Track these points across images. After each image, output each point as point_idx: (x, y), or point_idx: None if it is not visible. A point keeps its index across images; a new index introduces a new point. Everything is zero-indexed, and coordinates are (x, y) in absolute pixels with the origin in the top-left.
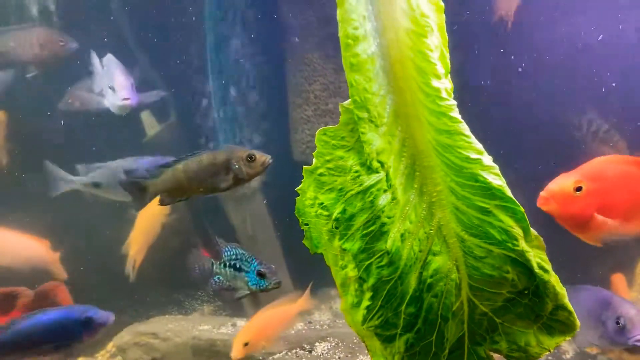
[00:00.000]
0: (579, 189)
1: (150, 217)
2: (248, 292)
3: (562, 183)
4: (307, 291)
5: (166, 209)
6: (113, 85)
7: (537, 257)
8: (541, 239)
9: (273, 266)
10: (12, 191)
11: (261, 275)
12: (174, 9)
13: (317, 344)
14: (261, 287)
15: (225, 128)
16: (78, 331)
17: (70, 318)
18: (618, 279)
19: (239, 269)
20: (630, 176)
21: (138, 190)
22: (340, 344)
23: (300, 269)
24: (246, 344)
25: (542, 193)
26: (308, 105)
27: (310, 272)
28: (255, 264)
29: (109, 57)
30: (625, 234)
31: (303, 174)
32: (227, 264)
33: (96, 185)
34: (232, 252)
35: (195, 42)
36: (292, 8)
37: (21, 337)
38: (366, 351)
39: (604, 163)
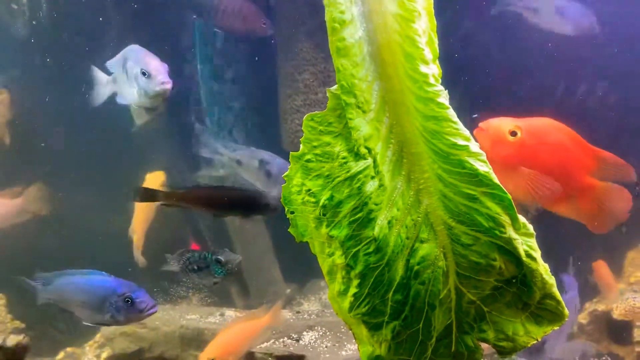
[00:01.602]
0: (513, 133)
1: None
2: (219, 280)
3: (501, 122)
4: (277, 306)
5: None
6: (148, 70)
7: (525, 245)
8: (529, 226)
9: (226, 249)
10: None
11: (219, 262)
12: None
13: (304, 333)
14: (228, 272)
15: (215, 116)
16: (117, 307)
17: (116, 292)
18: (600, 266)
19: (199, 269)
20: (566, 150)
21: (148, 196)
22: (327, 333)
23: (290, 261)
24: None
25: (481, 124)
26: (297, 95)
27: (300, 264)
28: (211, 255)
29: (134, 47)
30: (540, 198)
31: (290, 160)
32: (189, 270)
33: (238, 162)
34: (188, 259)
35: (184, 30)
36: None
37: (59, 295)
38: (353, 340)
39: (549, 126)
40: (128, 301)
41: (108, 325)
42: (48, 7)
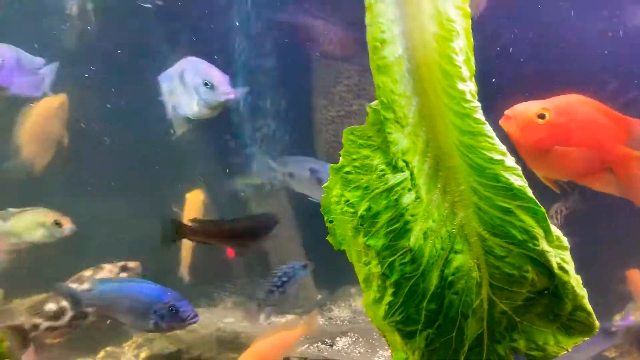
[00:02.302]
0: (542, 116)
1: (196, 213)
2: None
3: (527, 107)
4: (312, 315)
5: (204, 208)
6: (211, 81)
7: (558, 258)
8: (563, 239)
9: (295, 262)
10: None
11: (305, 266)
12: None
13: (337, 338)
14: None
15: (250, 127)
16: (161, 315)
17: (160, 300)
18: (634, 274)
19: (287, 281)
20: (597, 123)
21: (173, 227)
22: (360, 339)
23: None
24: None
25: (506, 111)
26: (332, 106)
27: (330, 271)
28: (295, 265)
29: (191, 59)
30: (579, 175)
31: (330, 172)
32: (278, 286)
33: (291, 175)
34: (280, 277)
35: (223, 42)
36: (319, 12)
37: (103, 301)
38: (386, 346)
39: (577, 101)
40: (172, 310)
41: (150, 332)
42: (97, 19)
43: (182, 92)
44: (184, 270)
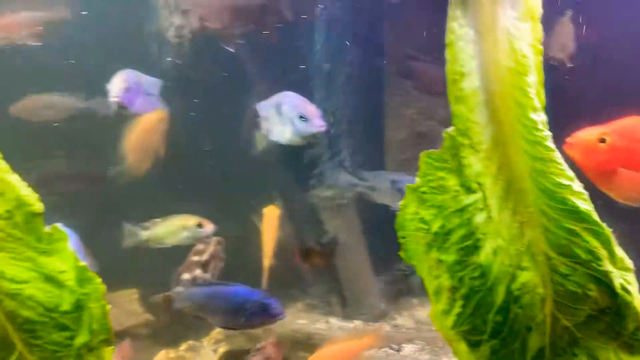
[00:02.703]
0: (602, 140)
1: (273, 228)
2: None
3: (588, 133)
4: (381, 328)
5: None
6: (306, 115)
7: (621, 278)
8: (628, 261)
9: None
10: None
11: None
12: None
13: (404, 345)
14: None
15: (325, 144)
16: (252, 312)
17: (251, 299)
18: None
19: None
20: None
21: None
22: (426, 347)
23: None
24: None
25: (568, 139)
26: (403, 128)
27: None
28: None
29: (289, 93)
30: None
31: (406, 190)
32: None
33: (372, 188)
34: None
35: (305, 63)
36: (393, 39)
37: (196, 301)
38: (450, 354)
39: (637, 123)
40: (263, 307)
41: (242, 329)
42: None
43: (277, 122)
44: (264, 276)
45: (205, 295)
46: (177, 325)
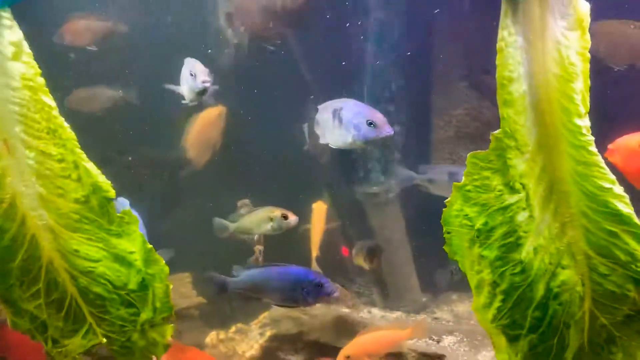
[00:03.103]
0: None
1: (321, 221)
2: None
3: (628, 138)
4: (422, 321)
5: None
6: (373, 120)
7: None
8: None
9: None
10: None
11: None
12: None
13: (444, 336)
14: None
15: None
16: (308, 291)
17: (308, 278)
18: None
19: None
20: None
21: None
22: (465, 339)
23: (426, 273)
24: (348, 357)
25: (609, 145)
26: (450, 127)
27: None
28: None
29: (350, 100)
30: None
31: (452, 189)
32: None
33: (430, 181)
34: None
35: (358, 63)
36: (443, 43)
37: (250, 285)
38: (489, 347)
39: None
40: (319, 286)
41: (298, 306)
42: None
43: (336, 127)
44: (312, 265)
45: (263, 276)
46: (227, 309)
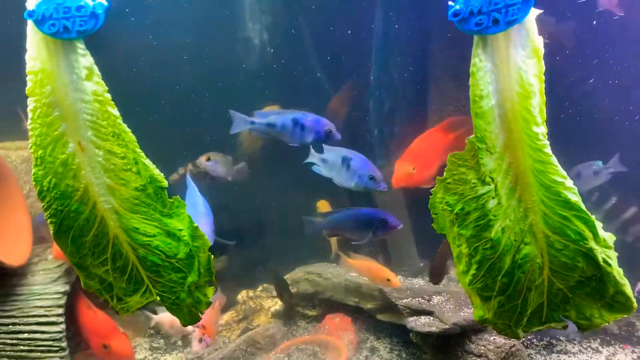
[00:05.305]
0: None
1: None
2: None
3: (402, 169)
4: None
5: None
6: (375, 176)
7: (604, 254)
8: (610, 240)
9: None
10: None
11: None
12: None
13: (434, 296)
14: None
15: (373, 139)
16: (377, 226)
17: (376, 217)
18: None
19: None
20: (437, 141)
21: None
22: (451, 299)
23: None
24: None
25: (393, 181)
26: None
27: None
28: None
29: (357, 154)
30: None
31: (436, 181)
32: None
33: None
34: None
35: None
36: (440, 48)
37: (338, 223)
38: (470, 305)
39: (419, 141)
40: (384, 222)
41: (371, 239)
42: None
43: (344, 172)
44: (334, 247)
45: (339, 218)
46: (254, 271)
